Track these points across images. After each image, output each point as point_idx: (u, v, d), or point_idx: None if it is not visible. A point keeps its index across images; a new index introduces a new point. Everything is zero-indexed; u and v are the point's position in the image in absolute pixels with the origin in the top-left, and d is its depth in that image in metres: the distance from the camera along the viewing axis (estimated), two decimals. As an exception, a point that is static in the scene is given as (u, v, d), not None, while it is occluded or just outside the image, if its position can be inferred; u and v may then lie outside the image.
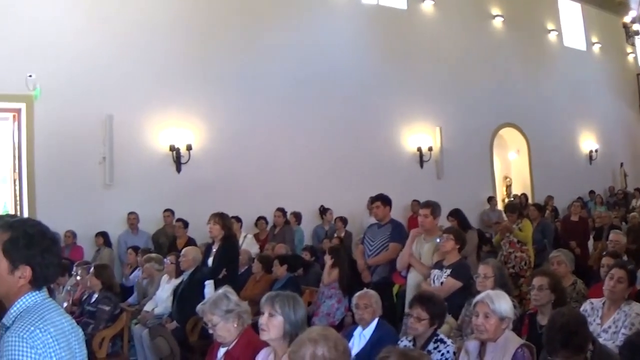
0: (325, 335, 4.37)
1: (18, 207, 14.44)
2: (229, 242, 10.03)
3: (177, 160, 15.18)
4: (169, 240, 14.20)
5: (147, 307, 11.08)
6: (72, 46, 14.50)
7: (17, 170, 14.62)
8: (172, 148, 15.12)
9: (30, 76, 14.06)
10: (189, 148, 15.19)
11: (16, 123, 14.64)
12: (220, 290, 5.89)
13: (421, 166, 18.32)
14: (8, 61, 13.89)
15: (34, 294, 3.32)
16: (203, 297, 9.40)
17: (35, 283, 3.32)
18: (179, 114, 15.22)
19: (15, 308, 3.28)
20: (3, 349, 3.08)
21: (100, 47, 14.70)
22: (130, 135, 14.73)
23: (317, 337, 4.31)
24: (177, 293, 10.37)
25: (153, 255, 12.50)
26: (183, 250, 10.68)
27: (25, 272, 3.27)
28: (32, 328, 3.11)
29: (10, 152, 14.95)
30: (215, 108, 15.54)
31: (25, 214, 13.31)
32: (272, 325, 5.19)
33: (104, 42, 14.74)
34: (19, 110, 14.50)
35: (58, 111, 14.17)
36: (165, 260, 11.51)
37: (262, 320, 5.22)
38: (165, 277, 11.25)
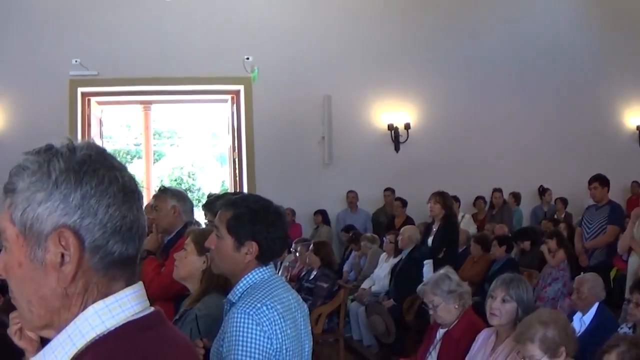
0: (556, 318, 4.33)
1: (237, 187, 14.87)
2: (450, 222, 9.93)
3: (396, 139, 15.15)
4: (388, 219, 14.20)
5: (365, 285, 11.16)
6: (289, 28, 14.77)
7: (236, 150, 15.07)
8: (390, 127, 15.10)
9: (247, 59, 14.47)
10: (407, 127, 15.10)
11: (235, 105, 15.10)
12: (442, 271, 5.81)
13: (640, 145, 17.43)
14: (226, 44, 14.36)
15: (261, 269, 3.34)
16: (421, 276, 9.40)
17: (262, 258, 3.35)
18: (397, 93, 15.14)
19: (242, 284, 3.31)
20: (229, 325, 3.09)
21: (318, 28, 14.89)
22: (349, 114, 14.82)
23: (548, 320, 4.27)
24: (395, 271, 10.37)
25: (368, 234, 12.62)
26: (402, 229, 10.67)
27: (252, 247, 3.31)
28: (259, 305, 3.11)
29: (230, 133, 15.44)
30: (433, 87, 15.35)
31: (245, 193, 13.68)
32: (506, 310, 5.05)
33: (321, 22, 14.91)
34: (237, 92, 14.99)
35: (276, 92, 14.50)
36: (384, 239, 11.53)
37: (494, 304, 5.08)
38: (383, 255, 11.29)
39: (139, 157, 29.65)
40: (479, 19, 15.82)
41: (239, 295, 3.27)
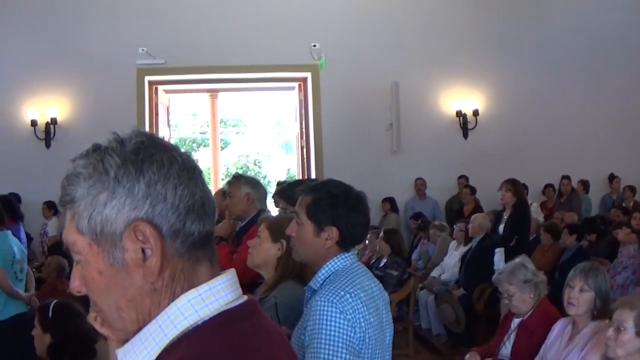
0: None
1: (305, 174, 14.92)
2: (521, 210, 9.83)
3: (464, 126, 15.01)
4: (460, 206, 14.07)
5: (434, 273, 11.12)
6: (356, 14, 14.71)
7: (304, 138, 15.09)
8: (458, 114, 14.97)
9: (314, 46, 14.46)
10: (475, 114, 14.96)
11: (302, 92, 15.12)
12: (518, 260, 5.74)
13: None
14: (293, 32, 14.38)
15: (343, 256, 3.29)
16: (492, 265, 9.33)
17: (343, 244, 3.30)
18: (465, 80, 15.01)
19: (323, 271, 3.26)
20: (312, 313, 3.04)
21: (385, 14, 14.80)
22: (417, 101, 14.70)
23: None
24: (465, 260, 10.29)
25: (436, 222, 12.55)
26: (472, 217, 10.59)
27: (332, 233, 3.26)
28: (343, 293, 3.04)
29: (297, 120, 15.48)
30: (502, 73, 15.16)
31: (313, 181, 13.64)
32: (584, 300, 4.97)
33: (389, 8, 14.81)
34: (304, 80, 14.99)
35: (343, 79, 14.43)
36: (454, 227, 11.45)
37: (572, 294, 5.00)
38: (453, 243, 11.22)
39: (205, 146, 30.02)
40: (549, 5, 15.59)
41: (321, 282, 3.23)
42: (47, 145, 14.14)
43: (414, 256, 12.68)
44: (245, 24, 14.26)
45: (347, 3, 14.67)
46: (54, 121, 14.10)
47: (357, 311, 3.02)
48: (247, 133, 34.51)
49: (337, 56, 14.40)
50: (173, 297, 1.42)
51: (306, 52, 14.43)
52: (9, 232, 8.12)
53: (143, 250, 1.39)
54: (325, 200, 3.32)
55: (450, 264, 10.90)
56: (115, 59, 14.06)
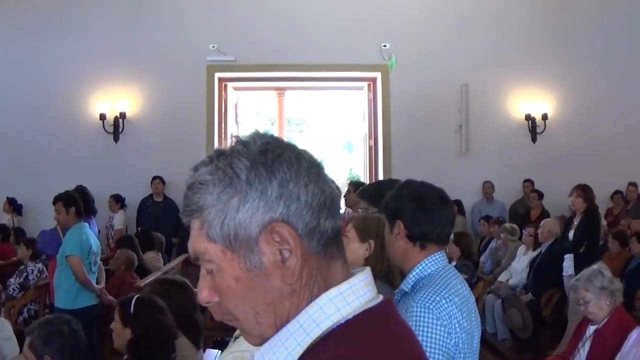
0: None
1: (373, 174, 14.93)
2: (592, 216, 9.76)
3: (533, 130, 14.82)
4: (525, 211, 13.93)
5: (502, 278, 11.05)
6: (426, 15, 14.63)
7: (372, 138, 15.09)
8: (527, 117, 14.79)
9: (384, 46, 14.45)
10: (544, 118, 14.76)
11: (371, 92, 15.10)
12: (595, 266, 5.71)
13: None
14: (363, 32, 14.36)
15: (434, 258, 3.23)
16: (561, 271, 9.28)
17: (412, 239, 3.26)
18: (534, 82, 14.82)
19: (414, 273, 3.20)
20: (407, 318, 2.96)
21: (456, 15, 14.70)
22: (486, 104, 14.59)
23: None
24: (533, 265, 10.23)
25: (507, 225, 12.42)
26: (542, 222, 10.52)
27: (400, 227, 3.26)
28: (438, 298, 3.00)
29: (366, 120, 15.48)
30: (571, 77, 14.93)
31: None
32: None
33: (459, 10, 14.71)
34: (374, 80, 14.93)
35: (413, 80, 14.37)
36: (523, 231, 11.37)
37: None
38: (522, 248, 11.14)
39: (270, 144, 30.15)
40: (624, 8, 15.37)
41: (412, 284, 3.18)
42: (116, 139, 14.27)
43: (482, 259, 12.53)
44: (316, 23, 14.29)
45: (418, 3, 14.63)
46: (123, 115, 14.21)
47: (452, 317, 2.99)
48: (309, 132, 34.55)
49: (407, 57, 14.39)
50: (311, 297, 1.41)
51: (376, 52, 14.43)
52: (87, 224, 8.29)
53: (280, 252, 1.39)
54: (391, 195, 3.36)
55: (518, 269, 10.82)
56: (185, 55, 14.22)
